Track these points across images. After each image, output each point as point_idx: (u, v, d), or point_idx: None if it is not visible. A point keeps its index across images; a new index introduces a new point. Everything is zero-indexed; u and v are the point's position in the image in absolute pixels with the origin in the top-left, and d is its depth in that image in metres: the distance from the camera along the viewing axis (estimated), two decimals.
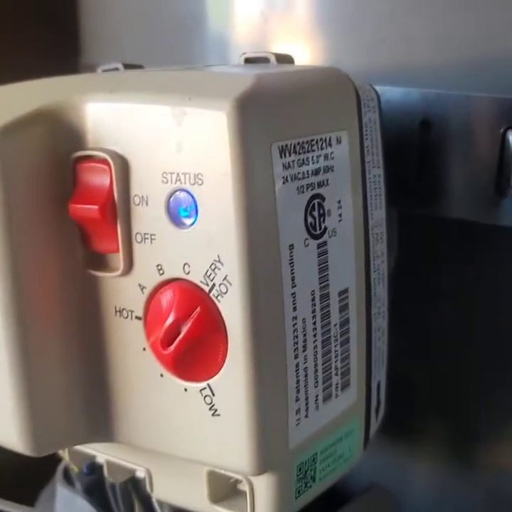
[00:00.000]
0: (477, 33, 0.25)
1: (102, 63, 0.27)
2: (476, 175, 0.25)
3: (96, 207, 0.19)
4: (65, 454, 0.27)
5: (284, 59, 0.23)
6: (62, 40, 0.42)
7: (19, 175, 0.19)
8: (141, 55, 0.36)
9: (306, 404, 0.20)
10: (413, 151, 0.26)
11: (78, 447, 0.25)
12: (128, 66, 0.26)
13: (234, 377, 0.19)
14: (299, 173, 0.19)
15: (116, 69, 0.26)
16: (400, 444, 0.31)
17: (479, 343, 0.29)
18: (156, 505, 0.25)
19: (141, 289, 0.20)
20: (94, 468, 0.27)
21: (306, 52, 0.29)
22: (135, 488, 0.26)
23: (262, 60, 0.23)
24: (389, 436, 0.30)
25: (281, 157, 0.19)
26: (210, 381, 0.19)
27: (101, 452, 0.24)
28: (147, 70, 0.24)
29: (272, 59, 0.22)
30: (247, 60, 0.23)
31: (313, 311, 0.20)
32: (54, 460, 0.28)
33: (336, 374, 0.22)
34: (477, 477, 0.30)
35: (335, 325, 0.21)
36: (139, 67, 0.26)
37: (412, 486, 0.31)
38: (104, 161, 0.19)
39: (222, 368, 0.19)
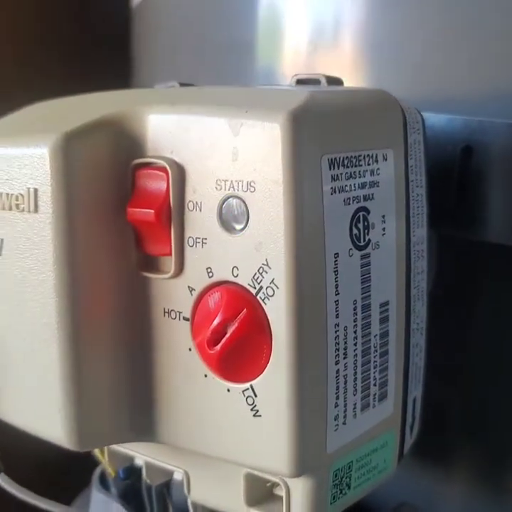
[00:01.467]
0: None
1: (158, 83, 0.28)
2: None
3: (152, 211, 0.20)
4: (102, 457, 0.27)
5: (334, 81, 0.24)
6: (117, 65, 0.44)
7: (82, 177, 0.21)
8: (192, 78, 0.38)
9: (345, 411, 0.21)
10: (454, 176, 0.27)
11: (117, 447, 0.26)
12: (183, 85, 0.27)
13: (276, 379, 0.20)
14: (346, 185, 0.20)
15: (173, 87, 0.27)
16: (432, 467, 0.31)
17: None
18: (191, 511, 0.25)
19: (190, 291, 0.21)
20: (130, 473, 0.28)
21: (354, 79, 0.30)
22: (170, 493, 0.27)
23: (313, 82, 0.24)
24: (421, 459, 0.30)
25: (330, 169, 0.20)
26: (252, 382, 0.20)
27: (141, 453, 0.25)
28: (204, 87, 0.25)
29: (323, 80, 0.23)
30: (299, 82, 0.24)
31: (355, 320, 0.21)
32: (93, 463, 0.29)
33: (375, 384, 0.22)
34: (508, 502, 0.30)
35: (375, 336, 0.22)
36: (193, 86, 0.28)
37: (442, 510, 0.31)
38: (162, 168, 0.21)
39: (265, 370, 0.20)
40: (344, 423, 0.21)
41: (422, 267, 0.24)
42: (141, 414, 0.22)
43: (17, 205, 0.21)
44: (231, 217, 0.20)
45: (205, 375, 0.21)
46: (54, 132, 0.21)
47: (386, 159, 0.22)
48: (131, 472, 0.28)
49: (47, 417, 0.22)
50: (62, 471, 0.35)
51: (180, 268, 0.21)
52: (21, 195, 0.21)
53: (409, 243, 0.23)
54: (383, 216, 0.22)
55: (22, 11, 0.48)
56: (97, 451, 0.27)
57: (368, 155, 0.21)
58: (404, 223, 0.23)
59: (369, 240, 0.21)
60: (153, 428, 0.22)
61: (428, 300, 0.26)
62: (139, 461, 0.26)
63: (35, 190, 0.21)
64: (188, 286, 0.21)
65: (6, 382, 0.23)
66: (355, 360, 0.21)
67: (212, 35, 0.36)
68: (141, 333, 0.22)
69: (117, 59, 0.44)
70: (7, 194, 0.22)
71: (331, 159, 0.20)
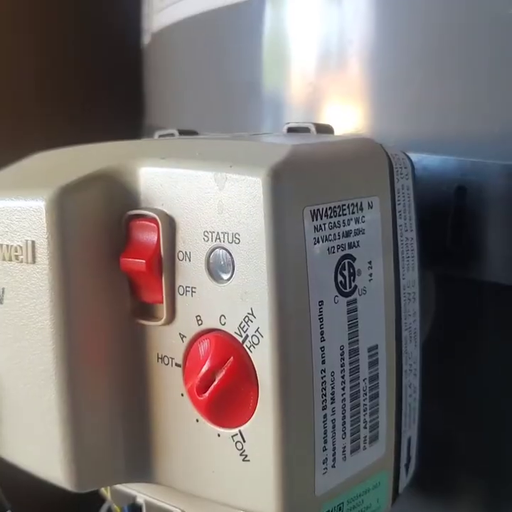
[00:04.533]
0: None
1: (159, 129, 0.29)
2: (509, 240, 0.26)
3: (144, 261, 0.21)
4: (108, 493, 0.28)
5: (324, 129, 0.24)
6: (129, 104, 0.45)
7: (77, 230, 0.22)
8: (199, 118, 0.39)
9: (334, 454, 0.21)
10: (449, 216, 0.27)
11: (119, 487, 0.26)
12: (183, 132, 0.28)
13: (263, 425, 0.20)
14: (330, 235, 0.21)
15: (172, 134, 0.28)
16: (436, 503, 0.31)
17: None
18: None
19: (182, 338, 0.21)
20: (134, 509, 0.28)
21: (352, 119, 0.31)
22: None
23: (303, 130, 0.24)
24: (425, 494, 0.30)
25: (313, 220, 0.20)
26: (241, 428, 0.21)
27: (140, 492, 0.26)
28: (196, 138, 0.26)
29: (312, 129, 0.24)
30: (290, 130, 0.25)
31: (342, 365, 0.21)
32: (99, 500, 0.30)
33: (365, 427, 0.22)
34: None
35: (364, 379, 0.22)
36: (193, 132, 0.28)
37: None
38: (153, 220, 0.21)
39: (253, 416, 0.20)
40: (333, 466, 0.21)
41: (414, 309, 0.24)
42: (139, 456, 0.23)
43: (16, 256, 0.22)
44: (218, 267, 0.20)
45: (197, 420, 0.21)
46: (50, 187, 0.21)
47: (372, 207, 0.22)
48: (136, 508, 0.28)
49: (47, 459, 0.23)
50: (70, 508, 0.35)
51: (171, 315, 0.22)
52: (20, 246, 0.22)
53: (399, 286, 0.24)
54: (370, 262, 0.22)
55: (34, 47, 0.50)
56: (102, 489, 0.28)
57: (352, 204, 0.21)
58: (393, 267, 0.23)
59: (355, 286, 0.22)
60: (149, 469, 0.23)
61: (428, 339, 0.26)
62: (140, 499, 0.27)
63: (33, 243, 0.22)
64: (180, 333, 0.22)
65: (7, 424, 0.24)
66: (344, 404, 0.22)
67: (218, 76, 0.37)
68: (136, 378, 0.22)
69: (131, 98, 0.45)
70: (7, 246, 0.22)
71: (314, 210, 0.20)
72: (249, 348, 0.20)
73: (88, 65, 0.51)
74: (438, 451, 0.30)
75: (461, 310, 0.29)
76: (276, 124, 0.35)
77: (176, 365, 0.22)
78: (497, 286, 0.27)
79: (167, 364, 0.22)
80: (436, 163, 0.28)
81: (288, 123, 0.25)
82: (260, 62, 0.35)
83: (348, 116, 0.31)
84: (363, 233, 0.22)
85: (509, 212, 0.26)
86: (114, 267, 0.22)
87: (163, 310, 0.22)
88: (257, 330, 0.20)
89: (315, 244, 0.20)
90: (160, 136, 0.28)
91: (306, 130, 0.24)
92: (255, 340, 0.20)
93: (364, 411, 0.22)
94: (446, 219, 0.27)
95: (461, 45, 0.28)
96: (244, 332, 0.20)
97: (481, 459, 0.30)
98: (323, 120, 0.31)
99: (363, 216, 0.22)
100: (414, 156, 0.27)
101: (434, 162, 0.28)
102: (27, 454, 0.24)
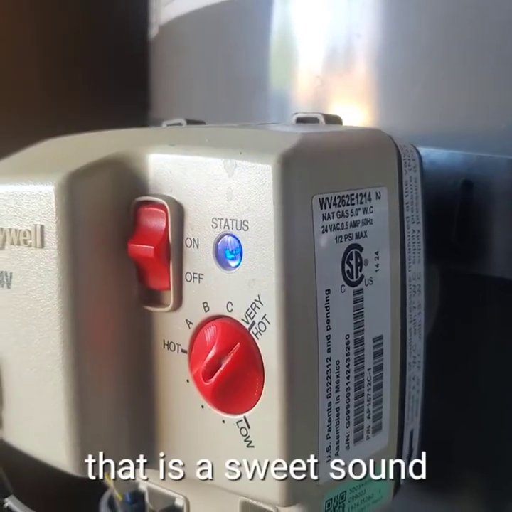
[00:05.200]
0: None
1: (167, 119, 0.30)
2: None
3: (152, 247, 0.21)
4: (110, 481, 0.28)
5: (333, 120, 0.25)
6: (135, 96, 0.45)
7: (86, 215, 0.22)
8: (205, 112, 0.39)
9: (337, 442, 0.22)
10: (455, 210, 0.27)
11: None
12: (190, 122, 0.28)
13: (268, 411, 0.20)
14: (338, 223, 0.21)
15: (180, 124, 0.28)
16: (438, 498, 0.31)
17: None
18: None
19: (188, 324, 0.22)
20: (136, 497, 0.28)
21: (359, 113, 0.31)
22: None
23: (312, 120, 0.24)
24: (427, 489, 0.30)
25: (321, 208, 0.20)
26: (246, 414, 0.21)
27: (143, 479, 0.26)
28: (205, 126, 0.26)
29: (321, 119, 0.24)
30: (299, 120, 0.25)
31: (347, 354, 0.21)
32: (101, 487, 0.30)
33: (368, 417, 0.23)
34: None
35: (368, 369, 0.22)
36: (201, 123, 0.29)
37: None
38: (162, 206, 0.21)
39: (258, 402, 0.20)
40: (337, 454, 0.22)
41: (419, 302, 0.25)
42: (143, 441, 0.23)
43: (25, 241, 0.22)
44: (226, 254, 0.21)
45: (202, 406, 0.22)
46: (59, 171, 0.22)
47: (380, 197, 0.22)
48: (138, 496, 0.28)
49: (52, 444, 0.23)
50: (72, 495, 0.35)
51: (178, 302, 0.22)
52: (29, 231, 0.22)
53: (405, 278, 0.24)
54: (377, 252, 0.22)
55: (39, 40, 0.50)
56: (106, 476, 0.28)
57: (361, 194, 0.21)
58: (399, 259, 0.23)
59: (362, 276, 0.22)
60: (153, 456, 0.23)
61: (431, 333, 0.26)
62: (143, 486, 0.27)
63: (42, 227, 0.22)
64: (186, 320, 0.22)
65: (13, 409, 0.24)
66: (348, 393, 0.22)
67: (224, 70, 0.37)
68: (142, 363, 0.23)
69: (137, 90, 0.45)
70: (16, 230, 0.23)
71: (322, 199, 0.20)
72: (255, 335, 0.20)
73: (95, 57, 0.51)
74: (439, 445, 0.30)
75: (465, 304, 0.29)
76: (282, 118, 0.35)
77: (182, 351, 0.22)
78: (501, 281, 0.27)
79: (173, 350, 0.22)
80: (443, 157, 0.28)
81: (296, 113, 0.25)
82: (267, 56, 0.35)
83: (355, 111, 0.31)
84: (371, 223, 0.22)
85: None
86: (122, 253, 0.22)
87: (170, 296, 0.22)
88: (263, 317, 0.20)
89: (323, 232, 0.20)
90: (168, 125, 0.28)
91: (315, 120, 0.24)
92: (262, 327, 0.20)
93: (368, 401, 0.22)
94: (452, 213, 0.28)
95: (468, 41, 0.28)
96: (251, 319, 0.20)
97: (482, 454, 0.30)
98: (331, 113, 0.31)
99: (371, 206, 0.22)
100: (421, 150, 0.27)
101: (441, 156, 0.28)
102: (31, 439, 0.24)
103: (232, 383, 0.20)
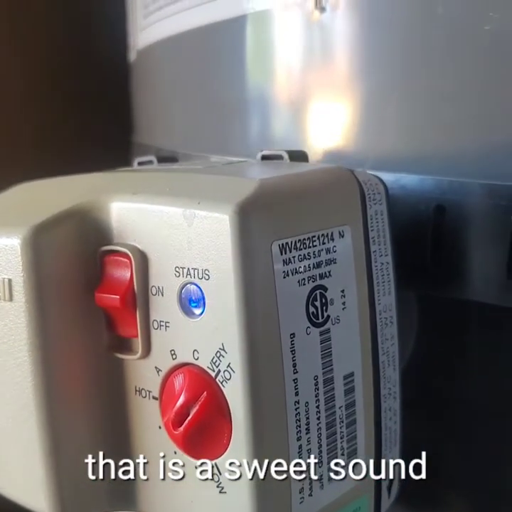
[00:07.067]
0: (491, 121, 0.27)
1: (146, 147, 0.30)
2: (489, 258, 0.26)
3: (118, 297, 0.21)
4: None
5: (298, 156, 0.25)
6: (118, 121, 0.45)
7: (53, 268, 0.22)
8: (186, 135, 0.39)
9: (310, 483, 0.22)
10: (428, 235, 0.27)
11: None
12: (161, 159, 0.28)
13: (237, 458, 0.20)
14: (299, 267, 0.21)
15: (151, 162, 0.28)
16: None
17: (503, 420, 0.29)
18: None
19: (157, 372, 0.22)
20: None
21: (331, 142, 0.31)
22: None
23: (277, 157, 0.25)
24: (415, 509, 0.30)
25: (281, 254, 0.20)
26: (217, 461, 0.21)
27: None
28: (169, 170, 0.26)
29: (286, 156, 0.24)
30: (264, 157, 0.25)
31: (317, 395, 0.22)
32: None
33: (342, 454, 0.23)
34: None
35: (340, 407, 0.22)
36: (173, 159, 0.29)
37: None
38: (126, 255, 0.22)
39: (227, 450, 0.20)
40: (310, 495, 0.22)
41: (392, 333, 0.25)
42: (120, 485, 0.23)
43: None
44: (189, 303, 0.21)
45: (175, 452, 0.22)
46: (24, 225, 0.22)
47: (343, 236, 0.22)
48: None
49: (31, 489, 0.23)
50: None
51: (147, 349, 0.22)
52: None
53: (375, 312, 0.24)
54: (343, 290, 0.22)
55: (20, 65, 0.50)
56: None
57: (323, 234, 0.22)
58: (368, 294, 0.23)
59: (328, 316, 0.22)
60: (132, 498, 0.23)
61: (411, 359, 0.26)
62: None
63: (9, 281, 0.22)
64: (155, 367, 0.22)
65: None
66: (319, 433, 0.22)
67: (205, 94, 0.37)
68: (115, 410, 0.23)
69: (120, 114, 0.45)
70: None
71: (282, 244, 0.20)
72: (221, 383, 0.20)
73: (77, 82, 0.51)
74: (427, 465, 0.30)
75: (443, 329, 0.29)
76: (263, 139, 0.35)
77: (153, 398, 0.22)
78: (478, 304, 0.27)
79: (145, 397, 0.22)
80: (414, 182, 0.28)
81: (262, 150, 0.25)
82: (245, 78, 0.35)
83: (329, 140, 0.31)
84: (335, 263, 0.22)
85: (487, 231, 0.27)
86: (90, 302, 0.22)
87: (138, 344, 0.22)
88: (228, 365, 0.20)
89: (285, 277, 0.20)
90: (139, 163, 0.29)
91: (279, 157, 0.24)
92: (227, 375, 0.20)
93: (341, 438, 0.22)
94: (426, 238, 0.28)
95: (438, 66, 0.28)
96: (217, 367, 0.20)
97: (469, 474, 0.30)
98: (308, 137, 0.31)
99: (334, 246, 0.22)
100: (392, 176, 0.27)
101: (412, 181, 0.28)
102: (14, 485, 0.24)
103: (201, 431, 0.20)
